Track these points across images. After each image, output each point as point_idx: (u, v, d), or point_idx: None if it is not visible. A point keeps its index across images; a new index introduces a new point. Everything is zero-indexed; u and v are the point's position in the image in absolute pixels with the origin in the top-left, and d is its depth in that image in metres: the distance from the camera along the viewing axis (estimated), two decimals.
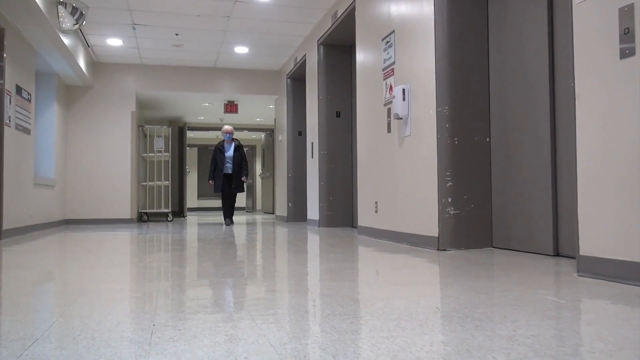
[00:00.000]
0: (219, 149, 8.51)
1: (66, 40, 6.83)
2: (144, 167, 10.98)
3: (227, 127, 8.65)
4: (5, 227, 5.85)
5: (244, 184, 8.77)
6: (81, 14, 6.44)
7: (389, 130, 5.05)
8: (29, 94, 6.75)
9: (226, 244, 5.08)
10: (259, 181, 16.89)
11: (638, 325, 1.68)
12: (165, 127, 11.07)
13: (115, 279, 2.88)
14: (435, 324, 1.74)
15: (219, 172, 8.44)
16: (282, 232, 6.83)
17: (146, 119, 12.32)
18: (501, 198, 4.11)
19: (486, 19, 4.29)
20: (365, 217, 5.72)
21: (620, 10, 2.48)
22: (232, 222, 8.63)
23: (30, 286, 2.66)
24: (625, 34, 2.46)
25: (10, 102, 6.00)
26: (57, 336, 1.62)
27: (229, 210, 8.67)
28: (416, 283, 2.58)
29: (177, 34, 7.96)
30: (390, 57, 5.04)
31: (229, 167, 8.49)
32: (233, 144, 8.56)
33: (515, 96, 3.97)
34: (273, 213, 12.74)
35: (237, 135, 17.05)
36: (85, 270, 3.20)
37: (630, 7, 2.43)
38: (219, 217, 12.75)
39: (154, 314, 1.91)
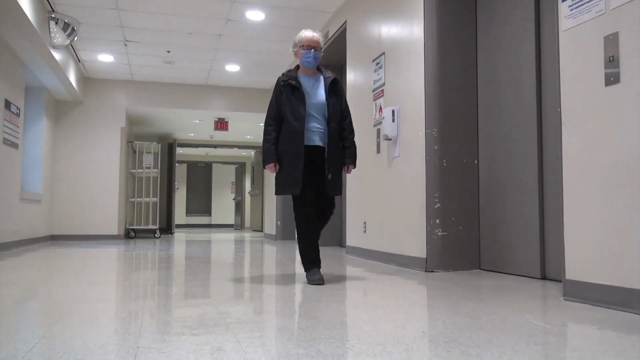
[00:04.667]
0: (291, 85, 3.52)
1: (57, 56, 6.82)
2: (132, 183, 10.92)
3: (307, 35, 3.71)
4: None
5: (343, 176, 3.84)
6: (73, 29, 6.45)
7: (378, 151, 5.07)
8: (17, 108, 6.72)
9: (213, 263, 5.05)
10: (248, 198, 16.84)
11: (623, 352, 1.69)
12: (154, 143, 11.04)
13: (100, 297, 2.84)
14: (422, 348, 1.73)
15: (291, 142, 3.46)
16: (270, 250, 6.79)
17: (136, 135, 12.28)
18: (489, 220, 4.13)
19: (475, 44, 4.34)
20: (353, 236, 5.71)
21: (606, 38, 2.53)
22: (321, 278, 3.38)
23: (12, 304, 2.62)
24: (610, 61, 2.51)
25: None
26: (39, 358, 1.60)
27: (313, 246, 3.50)
28: (403, 306, 2.57)
29: (168, 51, 7.98)
30: (381, 79, 5.08)
31: (316, 132, 3.52)
32: (321, 77, 3.64)
33: (504, 119, 4.01)
34: (262, 231, 12.69)
35: (226, 152, 17.07)
36: (69, 288, 3.16)
37: (615, 35, 2.48)
38: (207, 234, 12.65)
39: (138, 335, 1.88)
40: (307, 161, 3.40)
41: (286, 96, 3.49)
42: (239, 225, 17.28)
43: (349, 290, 3.17)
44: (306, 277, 3.42)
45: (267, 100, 11.65)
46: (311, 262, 3.44)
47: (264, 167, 3.60)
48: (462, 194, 4.20)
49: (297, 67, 3.66)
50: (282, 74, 3.61)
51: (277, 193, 3.54)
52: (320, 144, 3.49)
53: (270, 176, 10.10)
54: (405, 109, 4.56)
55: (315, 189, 3.46)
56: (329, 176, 3.47)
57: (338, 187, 3.54)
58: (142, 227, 10.47)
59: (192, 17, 6.59)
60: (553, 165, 3.50)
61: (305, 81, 3.55)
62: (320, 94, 3.53)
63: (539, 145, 3.65)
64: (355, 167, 3.70)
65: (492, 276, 3.78)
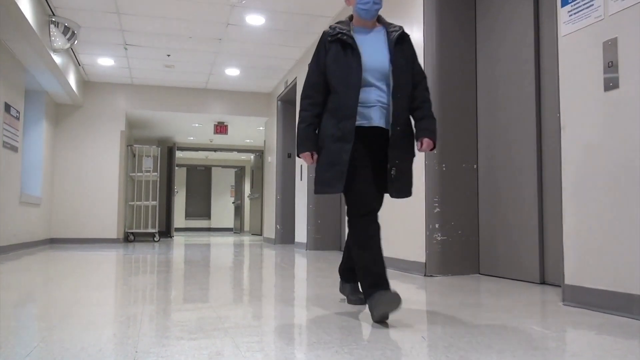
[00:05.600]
0: (342, 41, 2.51)
1: (57, 59, 6.83)
2: (131, 187, 10.92)
3: None
4: None
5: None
6: (73, 33, 6.46)
7: None
8: (17, 111, 6.72)
9: (213, 267, 5.04)
10: (247, 202, 16.84)
11: (621, 357, 1.69)
12: (154, 146, 11.04)
13: (98, 301, 2.84)
14: (421, 353, 1.73)
15: (337, 120, 2.46)
16: (269, 254, 6.79)
17: (135, 139, 12.29)
18: (488, 225, 4.13)
19: (475, 48, 4.35)
20: None
21: (605, 43, 2.54)
22: (395, 297, 2.21)
23: (11, 308, 2.61)
24: (609, 67, 2.51)
25: None
26: None
27: (379, 261, 2.41)
28: (402, 310, 2.57)
29: (168, 55, 7.99)
30: None
31: (376, 107, 2.48)
32: (384, 31, 2.60)
33: (503, 124, 4.01)
34: (261, 235, 12.68)
35: (226, 155, 17.08)
36: (68, 292, 3.16)
37: (614, 41, 2.49)
38: (207, 238, 12.64)
39: (137, 339, 1.88)
40: (360, 147, 2.43)
41: (334, 56, 2.49)
42: (238, 229, 17.27)
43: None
44: (369, 304, 2.30)
45: (268, 104, 11.67)
46: (376, 281, 2.33)
47: (297, 156, 2.61)
48: (462, 199, 4.20)
49: (351, 17, 2.64)
50: (330, 27, 2.59)
51: (316, 192, 2.56)
52: (382, 124, 2.47)
53: (270, 181, 10.09)
54: None
55: (374, 191, 2.50)
56: (393, 172, 2.48)
57: (407, 187, 2.58)
58: (142, 230, 10.46)
59: (192, 21, 6.60)
60: (552, 170, 3.50)
61: (361, 36, 2.53)
62: (383, 53, 2.50)
63: (538, 150, 3.65)
64: (435, 146, 2.58)
65: (492, 281, 3.78)
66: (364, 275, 2.38)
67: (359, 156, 2.42)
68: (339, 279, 2.90)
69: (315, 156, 2.54)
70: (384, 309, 2.19)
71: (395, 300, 2.17)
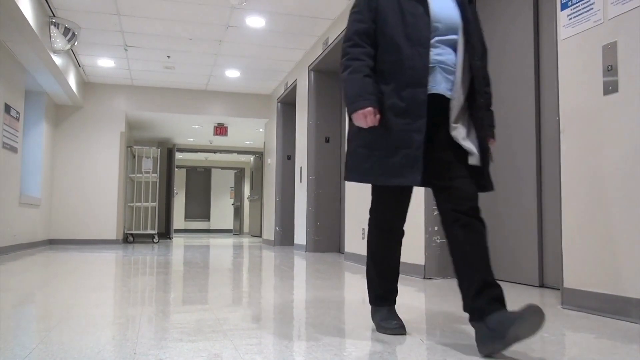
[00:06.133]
0: None
1: (57, 60, 6.83)
2: (131, 188, 10.91)
3: None
4: None
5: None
6: (73, 34, 6.46)
7: None
8: (17, 112, 6.72)
9: (212, 269, 5.04)
10: (246, 204, 16.83)
11: None
12: (154, 148, 11.04)
13: (97, 303, 2.84)
14: (419, 356, 1.73)
15: (400, 85, 1.92)
16: (268, 256, 6.79)
17: (135, 140, 12.28)
18: (487, 227, 4.12)
19: None
20: (352, 243, 5.71)
21: (604, 47, 2.54)
22: (399, 324, 2.09)
23: (10, 309, 2.61)
24: (608, 70, 2.52)
25: None
26: None
27: (388, 272, 2.20)
28: (401, 313, 2.57)
29: (168, 57, 8.00)
30: None
31: (443, 70, 1.94)
32: None
33: (502, 127, 4.01)
34: (260, 236, 12.68)
35: (225, 157, 17.08)
36: (67, 293, 3.15)
37: (614, 44, 2.49)
38: (206, 239, 12.64)
39: (135, 341, 1.88)
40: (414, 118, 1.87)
41: (391, 3, 1.96)
42: (237, 231, 17.27)
43: (347, 297, 3.16)
44: (372, 318, 2.17)
45: (268, 106, 11.70)
46: (380, 296, 2.14)
47: (349, 117, 1.97)
48: None
49: None
50: None
51: (368, 180, 1.99)
52: (447, 93, 1.93)
53: (270, 182, 10.10)
54: None
55: (434, 181, 1.96)
56: (474, 159, 1.93)
57: (489, 178, 2.07)
58: (141, 231, 10.46)
59: (192, 22, 6.61)
60: (552, 173, 3.51)
61: None
62: (451, 5, 1.99)
63: (537, 153, 3.66)
64: (494, 143, 2.26)
65: None
66: (370, 286, 2.18)
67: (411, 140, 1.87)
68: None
69: (378, 116, 1.90)
70: (391, 330, 2.05)
71: (399, 326, 2.06)
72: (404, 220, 2.13)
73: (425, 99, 1.87)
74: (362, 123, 1.90)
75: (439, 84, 1.91)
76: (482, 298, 1.76)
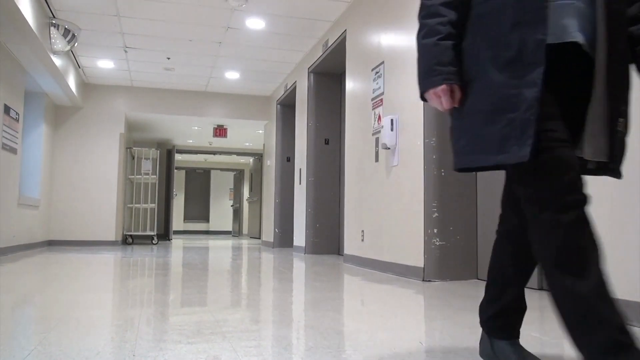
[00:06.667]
0: None
1: (57, 61, 6.83)
2: (130, 189, 10.91)
3: None
4: None
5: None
6: (73, 35, 6.47)
7: (376, 160, 5.08)
8: (17, 113, 6.72)
9: (211, 271, 5.04)
10: (246, 205, 16.83)
11: None
12: (153, 149, 11.04)
13: (96, 304, 2.84)
14: (418, 358, 1.73)
15: (506, 24, 1.32)
16: (267, 258, 6.79)
17: (134, 141, 12.28)
18: (487, 230, 4.13)
19: None
20: (351, 245, 5.71)
21: None
22: None
23: (8, 310, 2.61)
24: None
25: None
26: None
27: (609, 298, 1.27)
28: (400, 315, 2.57)
29: (168, 58, 8.00)
30: (380, 88, 5.10)
31: (571, 7, 1.32)
32: None
33: None
34: (259, 238, 12.68)
35: (225, 158, 17.08)
36: (66, 294, 3.15)
37: None
38: (205, 241, 12.63)
39: (134, 343, 1.88)
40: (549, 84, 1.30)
41: None
42: (236, 232, 17.27)
43: (346, 299, 3.16)
44: None
45: (267, 107, 11.73)
46: (620, 341, 1.23)
47: (422, 95, 1.49)
48: (460, 204, 4.20)
49: None
50: None
51: (459, 165, 1.58)
52: (581, 39, 1.35)
53: (269, 184, 10.10)
54: (404, 118, 4.57)
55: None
56: (620, 128, 1.39)
57: (622, 157, 1.46)
58: (140, 233, 10.45)
59: (192, 24, 6.61)
60: None
61: None
62: None
63: None
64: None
65: None
66: (591, 327, 1.27)
67: (544, 98, 1.29)
68: (481, 331, 1.69)
69: (459, 94, 1.44)
70: None
71: None
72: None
73: (542, 43, 1.28)
74: (438, 105, 1.45)
75: (574, 33, 1.34)
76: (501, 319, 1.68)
